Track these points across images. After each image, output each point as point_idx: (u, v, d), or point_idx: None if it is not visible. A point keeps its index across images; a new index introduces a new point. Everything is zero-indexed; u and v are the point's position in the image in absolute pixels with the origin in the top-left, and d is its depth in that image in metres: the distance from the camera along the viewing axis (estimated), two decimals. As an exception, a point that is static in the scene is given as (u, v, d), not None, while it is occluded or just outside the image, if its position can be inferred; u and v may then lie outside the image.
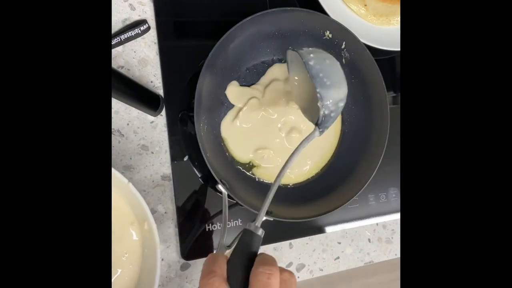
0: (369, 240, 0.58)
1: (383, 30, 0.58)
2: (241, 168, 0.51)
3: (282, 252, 0.54)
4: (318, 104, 0.41)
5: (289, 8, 0.49)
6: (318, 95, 0.40)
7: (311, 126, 0.53)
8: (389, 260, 0.59)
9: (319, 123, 0.42)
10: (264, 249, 0.53)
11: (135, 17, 0.51)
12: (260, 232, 0.35)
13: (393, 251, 0.59)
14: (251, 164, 0.52)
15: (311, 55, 0.42)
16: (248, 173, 0.51)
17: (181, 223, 0.50)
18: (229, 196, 0.46)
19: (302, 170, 0.53)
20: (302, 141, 0.40)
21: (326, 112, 0.41)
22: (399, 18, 0.58)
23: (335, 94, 0.42)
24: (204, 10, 0.54)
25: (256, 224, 0.35)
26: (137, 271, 0.44)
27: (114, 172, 0.41)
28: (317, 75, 0.41)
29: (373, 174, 0.49)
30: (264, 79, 0.53)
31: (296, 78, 0.49)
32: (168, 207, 0.50)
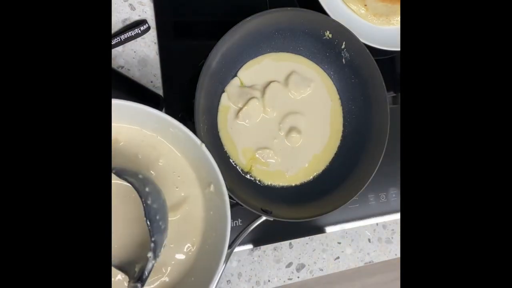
0: (369, 240, 0.58)
1: (383, 30, 0.58)
2: (241, 168, 0.51)
3: (282, 252, 0.54)
4: (149, 255, 0.33)
5: (289, 8, 0.49)
6: (152, 244, 0.33)
7: (311, 125, 0.53)
8: (389, 260, 0.59)
9: (144, 278, 0.33)
10: (264, 249, 0.53)
11: (135, 17, 0.51)
12: None
13: (393, 251, 0.59)
14: (250, 164, 0.52)
15: (147, 188, 0.34)
16: (247, 173, 0.51)
17: (181, 223, 0.50)
18: (229, 196, 0.46)
19: (297, 171, 0.53)
20: None
21: (154, 263, 0.33)
22: (399, 18, 0.58)
23: (165, 239, 0.35)
24: (204, 10, 0.54)
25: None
26: (196, 237, 0.43)
27: (188, 133, 0.40)
28: (154, 218, 0.33)
29: (373, 174, 0.49)
30: (260, 79, 0.53)
31: None
32: (168, 207, 0.50)
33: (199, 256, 0.43)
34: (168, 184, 0.43)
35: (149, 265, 0.33)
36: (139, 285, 0.32)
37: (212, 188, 0.42)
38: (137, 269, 0.35)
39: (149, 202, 0.34)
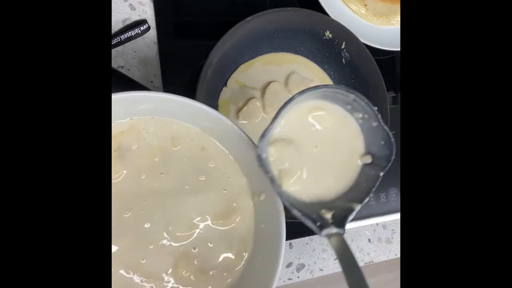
0: (369, 240, 0.58)
1: (383, 30, 0.58)
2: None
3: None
4: (357, 208, 0.32)
5: (289, 8, 0.49)
6: (367, 199, 0.33)
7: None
8: (389, 260, 0.59)
9: (344, 224, 0.32)
10: (264, 249, 0.53)
11: (135, 17, 0.51)
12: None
13: (393, 251, 0.59)
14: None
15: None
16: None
17: (181, 223, 0.50)
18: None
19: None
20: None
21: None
22: (399, 18, 0.58)
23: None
24: (204, 10, 0.54)
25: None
26: (245, 247, 0.39)
27: (242, 134, 0.36)
28: (375, 183, 0.33)
29: (373, 174, 0.49)
30: (261, 80, 0.53)
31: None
32: (168, 207, 0.50)
33: (247, 274, 0.38)
34: (217, 187, 0.39)
35: (351, 216, 0.32)
36: (341, 231, 0.31)
37: (263, 197, 0.38)
38: (327, 216, 0.33)
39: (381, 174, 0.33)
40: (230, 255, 0.38)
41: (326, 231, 0.31)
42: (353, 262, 0.29)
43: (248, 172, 0.39)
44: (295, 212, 0.32)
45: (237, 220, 0.39)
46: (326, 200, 0.35)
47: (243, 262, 0.38)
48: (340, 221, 0.32)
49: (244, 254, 0.38)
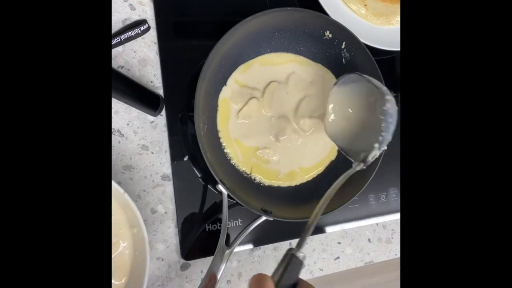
0: (369, 240, 0.58)
1: (383, 30, 0.58)
2: (241, 169, 0.51)
3: (282, 252, 0.54)
4: (375, 145, 0.41)
5: (289, 8, 0.49)
6: (381, 137, 0.41)
7: (311, 125, 0.53)
8: (389, 260, 0.59)
9: (367, 161, 0.42)
10: (264, 249, 0.53)
11: (135, 17, 0.51)
12: (303, 257, 0.36)
13: (393, 251, 0.59)
14: (250, 164, 0.52)
15: (387, 96, 0.41)
16: (247, 174, 0.51)
17: (181, 223, 0.50)
18: (229, 196, 0.46)
19: (297, 170, 0.53)
20: (342, 177, 0.41)
21: (377, 154, 0.42)
22: (399, 18, 0.58)
23: (390, 139, 0.42)
24: (204, 10, 0.54)
25: (302, 252, 0.36)
26: (125, 273, 0.45)
27: (113, 184, 0.42)
28: (387, 120, 0.41)
29: (373, 174, 0.49)
30: (263, 80, 0.53)
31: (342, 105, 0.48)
32: (168, 207, 0.50)
33: None
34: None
35: (373, 153, 0.41)
36: (362, 164, 0.41)
37: (135, 230, 0.45)
38: (362, 156, 0.42)
39: (385, 107, 0.41)
40: (112, 281, 0.45)
41: (355, 163, 0.43)
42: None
43: (125, 207, 0.45)
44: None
45: (119, 250, 0.45)
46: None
47: (123, 287, 0.45)
48: (364, 158, 0.42)
49: (123, 279, 0.45)
